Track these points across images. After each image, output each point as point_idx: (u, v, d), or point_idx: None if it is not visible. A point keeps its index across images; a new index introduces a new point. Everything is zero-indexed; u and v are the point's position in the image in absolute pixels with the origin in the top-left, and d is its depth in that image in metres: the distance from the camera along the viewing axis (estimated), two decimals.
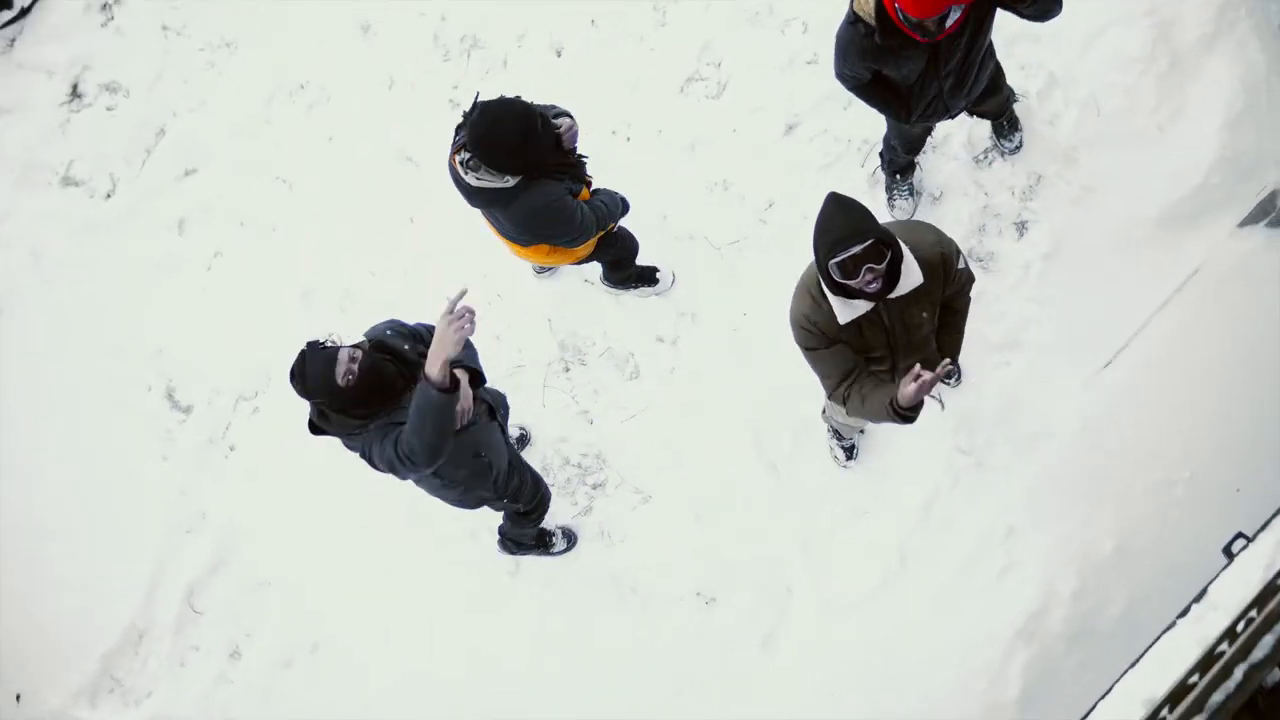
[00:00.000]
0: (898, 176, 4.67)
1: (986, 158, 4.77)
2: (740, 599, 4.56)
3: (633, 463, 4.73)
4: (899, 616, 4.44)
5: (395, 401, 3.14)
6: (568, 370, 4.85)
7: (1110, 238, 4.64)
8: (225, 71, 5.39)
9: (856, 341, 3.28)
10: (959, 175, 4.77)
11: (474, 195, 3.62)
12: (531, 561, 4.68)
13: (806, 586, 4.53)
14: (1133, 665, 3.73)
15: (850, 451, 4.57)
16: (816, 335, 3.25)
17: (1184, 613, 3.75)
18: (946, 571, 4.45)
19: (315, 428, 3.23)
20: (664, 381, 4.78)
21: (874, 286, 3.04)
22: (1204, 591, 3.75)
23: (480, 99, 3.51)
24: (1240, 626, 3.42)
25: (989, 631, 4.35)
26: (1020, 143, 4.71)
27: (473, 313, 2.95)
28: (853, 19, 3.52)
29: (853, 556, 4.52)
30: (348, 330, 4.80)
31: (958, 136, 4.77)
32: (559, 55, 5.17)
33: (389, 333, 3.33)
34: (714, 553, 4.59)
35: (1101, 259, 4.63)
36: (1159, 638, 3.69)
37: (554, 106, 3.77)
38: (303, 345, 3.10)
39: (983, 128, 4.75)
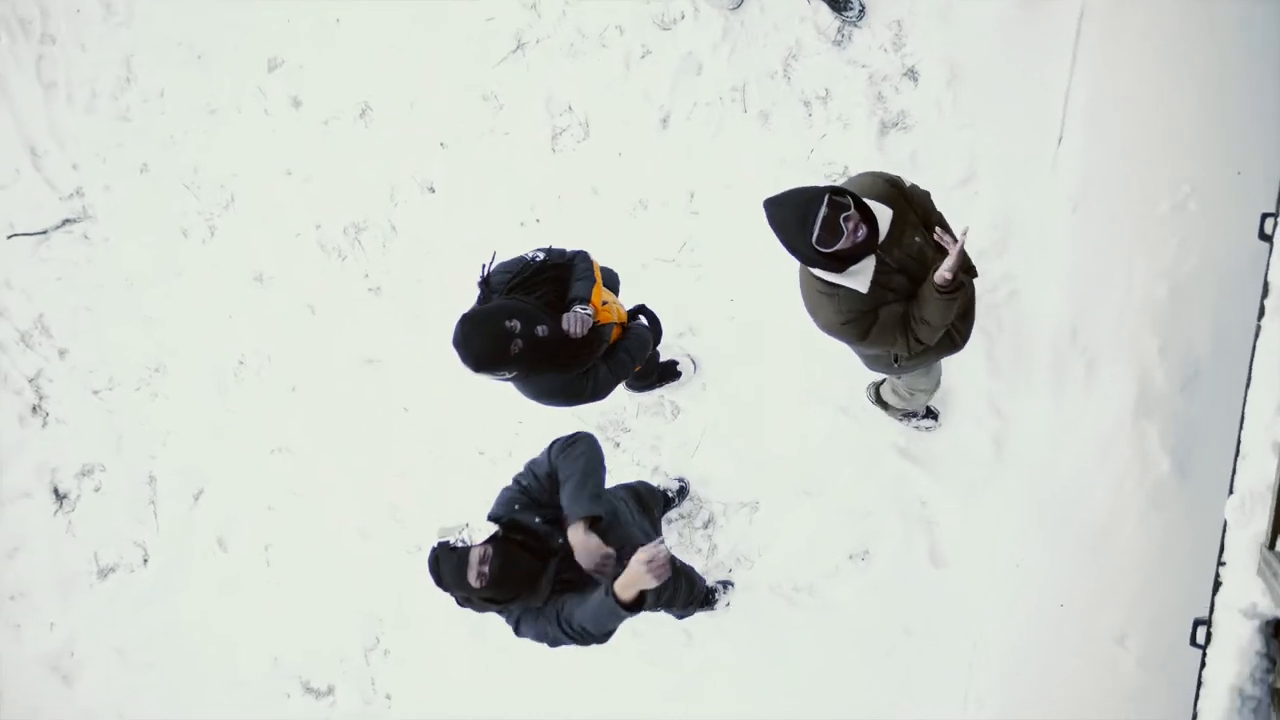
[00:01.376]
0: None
1: (842, 35, 4.92)
2: (888, 537, 4.73)
3: (723, 483, 4.91)
4: (1028, 470, 4.60)
5: (535, 586, 3.26)
6: (618, 445, 5.01)
7: (992, 26, 4.76)
8: (168, 390, 5.54)
9: (885, 296, 3.38)
10: (832, 66, 4.90)
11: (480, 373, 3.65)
12: (699, 621, 4.86)
13: (934, 490, 4.71)
14: (1249, 382, 3.91)
15: (931, 414, 4.70)
16: (857, 319, 3.35)
17: (1261, 313, 3.92)
18: (1042, 405, 4.61)
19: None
20: (702, 401, 4.94)
21: (862, 231, 3.14)
22: (1266, 285, 3.93)
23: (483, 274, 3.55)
24: None
25: (1113, 427, 4.51)
26: (861, 5, 4.85)
27: (671, 557, 3.11)
28: None
29: (956, 446, 4.69)
30: (421, 523, 5.03)
31: (807, 38, 4.92)
32: (432, 191, 5.31)
33: (516, 507, 3.41)
34: (841, 513, 4.76)
35: (995, 53, 4.76)
36: (1255, 346, 3.87)
37: (579, 265, 3.77)
38: (433, 548, 3.24)
39: (823, 12, 4.89)
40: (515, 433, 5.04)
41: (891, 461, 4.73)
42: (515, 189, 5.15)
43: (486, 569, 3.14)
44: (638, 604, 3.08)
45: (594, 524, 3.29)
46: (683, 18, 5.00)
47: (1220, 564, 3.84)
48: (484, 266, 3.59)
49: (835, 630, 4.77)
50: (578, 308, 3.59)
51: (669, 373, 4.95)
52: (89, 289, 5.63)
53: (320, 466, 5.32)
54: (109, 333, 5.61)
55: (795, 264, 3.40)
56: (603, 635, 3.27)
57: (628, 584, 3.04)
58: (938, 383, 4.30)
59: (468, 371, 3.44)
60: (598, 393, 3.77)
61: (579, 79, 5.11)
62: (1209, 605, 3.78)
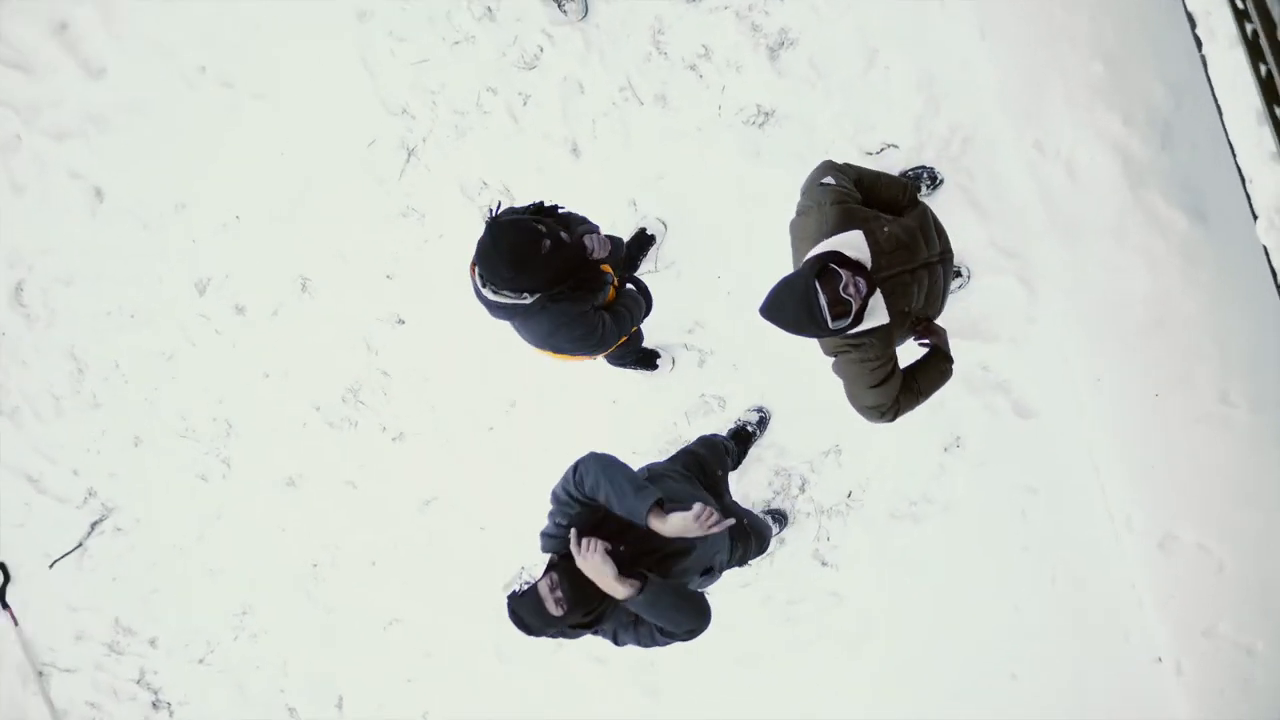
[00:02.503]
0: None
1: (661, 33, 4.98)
2: (969, 415, 4.88)
3: (796, 444, 5.04)
4: (1061, 289, 4.71)
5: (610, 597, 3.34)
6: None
7: None
8: (264, 625, 5.68)
9: (909, 310, 3.51)
10: (698, 22, 4.92)
11: (493, 309, 3.74)
12: (842, 579, 5.03)
13: (988, 351, 4.83)
14: (1220, 111, 4.01)
15: None
16: (886, 360, 3.49)
17: (1198, 44, 4.02)
18: (1043, 223, 4.68)
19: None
20: (739, 380, 5.08)
21: (861, 282, 3.22)
22: (1190, 16, 4.02)
23: (497, 213, 3.65)
24: None
25: (1117, 212, 4.58)
26: None
27: (591, 542, 3.23)
28: None
29: (988, 301, 4.80)
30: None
31: (662, 8, 4.98)
32: (402, 323, 5.40)
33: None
34: (916, 417, 4.80)
35: None
36: (1208, 77, 3.97)
37: (583, 220, 3.92)
38: (507, 603, 3.34)
39: None
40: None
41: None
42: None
43: (560, 593, 3.24)
44: (640, 584, 3.23)
45: (660, 506, 3.37)
46: (541, 50, 5.07)
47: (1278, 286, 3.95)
48: (490, 210, 3.71)
49: (966, 524, 4.91)
50: (594, 234, 3.77)
51: (647, 360, 5.05)
52: (146, 572, 5.74)
53: (437, 618, 5.42)
54: (184, 601, 5.71)
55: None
56: (692, 622, 3.37)
57: (604, 586, 3.22)
58: None
59: (489, 294, 3.58)
60: (605, 339, 3.85)
61: (479, 153, 5.17)
62: None
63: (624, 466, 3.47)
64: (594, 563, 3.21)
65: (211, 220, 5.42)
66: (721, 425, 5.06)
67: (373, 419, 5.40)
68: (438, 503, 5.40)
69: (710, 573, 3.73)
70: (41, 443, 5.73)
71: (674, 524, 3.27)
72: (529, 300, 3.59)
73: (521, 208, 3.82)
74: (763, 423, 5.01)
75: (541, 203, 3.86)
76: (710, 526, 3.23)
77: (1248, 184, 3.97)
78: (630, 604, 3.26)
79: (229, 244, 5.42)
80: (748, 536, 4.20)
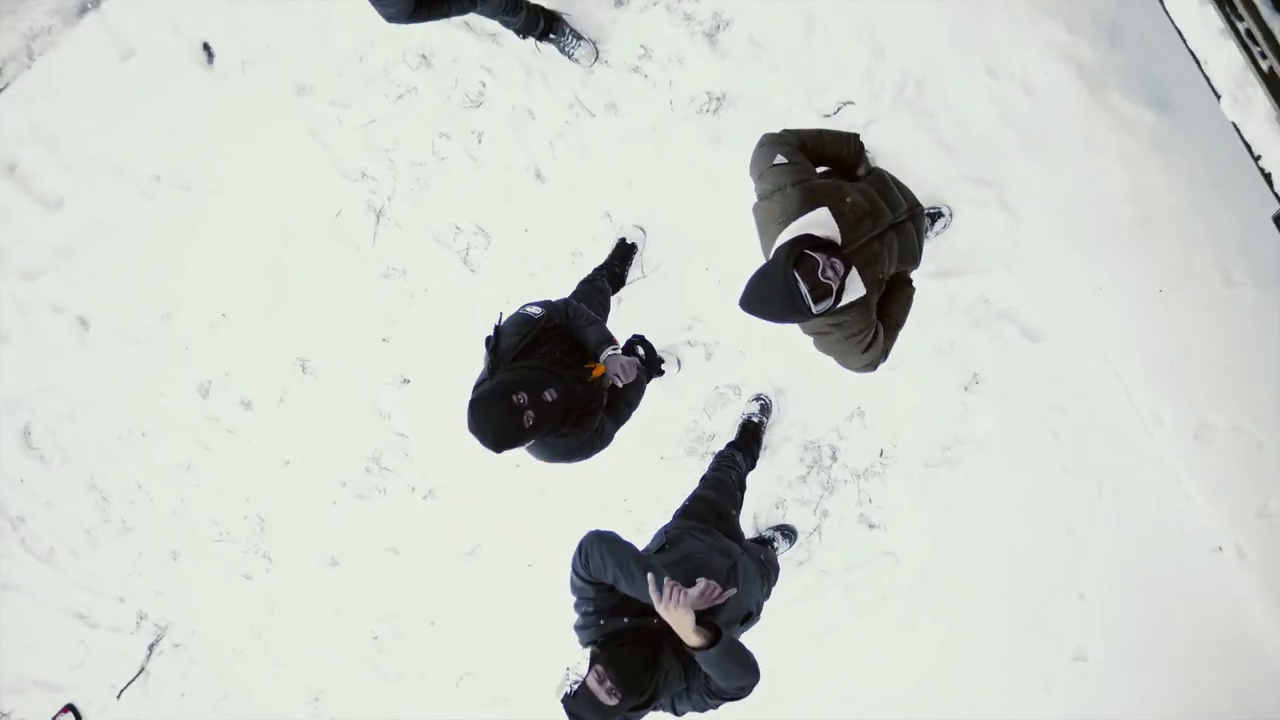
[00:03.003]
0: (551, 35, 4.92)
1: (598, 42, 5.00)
2: (981, 348, 4.91)
3: (819, 415, 5.08)
4: (1044, 207, 4.75)
5: (660, 670, 3.32)
6: (710, 452, 5.15)
7: None
8: (334, 712, 5.75)
9: (883, 276, 3.53)
10: (630, 24, 4.97)
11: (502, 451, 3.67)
12: (895, 542, 5.07)
13: (985, 283, 4.87)
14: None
15: None
16: (868, 327, 3.50)
17: None
18: (1012, 143, 4.71)
19: None
20: (749, 366, 5.11)
21: (837, 263, 3.24)
22: None
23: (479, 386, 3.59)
24: None
25: (1081, 119, 4.61)
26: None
27: (681, 590, 3.19)
28: None
29: (975, 233, 4.82)
30: None
31: (590, 20, 5.00)
32: (408, 383, 5.46)
33: (601, 622, 3.44)
34: (929, 363, 4.93)
35: None
36: None
37: (590, 319, 3.85)
38: (565, 709, 3.29)
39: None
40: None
41: (935, 289, 4.86)
42: (467, 325, 5.22)
43: (609, 683, 3.20)
44: (714, 636, 3.20)
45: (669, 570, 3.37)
46: (484, 86, 5.11)
47: (1257, 159, 3.96)
48: (494, 329, 3.67)
49: (1002, 457, 4.95)
50: (609, 351, 3.72)
51: (654, 369, 5.04)
52: (212, 682, 5.81)
53: (506, 663, 5.47)
54: (257, 701, 5.77)
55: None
56: (744, 678, 3.34)
57: (683, 634, 3.17)
58: None
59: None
60: (603, 444, 3.84)
61: (445, 200, 5.21)
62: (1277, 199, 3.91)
63: (627, 545, 3.43)
64: (677, 612, 3.17)
65: (199, 323, 5.46)
66: (735, 416, 5.09)
67: (399, 482, 5.44)
68: (481, 550, 5.44)
69: (749, 618, 3.75)
70: (82, 577, 5.79)
71: (673, 618, 3.22)
72: (531, 443, 3.60)
73: (517, 332, 3.69)
74: (765, 409, 5.04)
75: (536, 318, 3.72)
76: (715, 600, 3.24)
77: (1203, 66, 3.98)
78: (702, 656, 3.22)
79: (222, 343, 5.46)
80: (767, 569, 4.26)
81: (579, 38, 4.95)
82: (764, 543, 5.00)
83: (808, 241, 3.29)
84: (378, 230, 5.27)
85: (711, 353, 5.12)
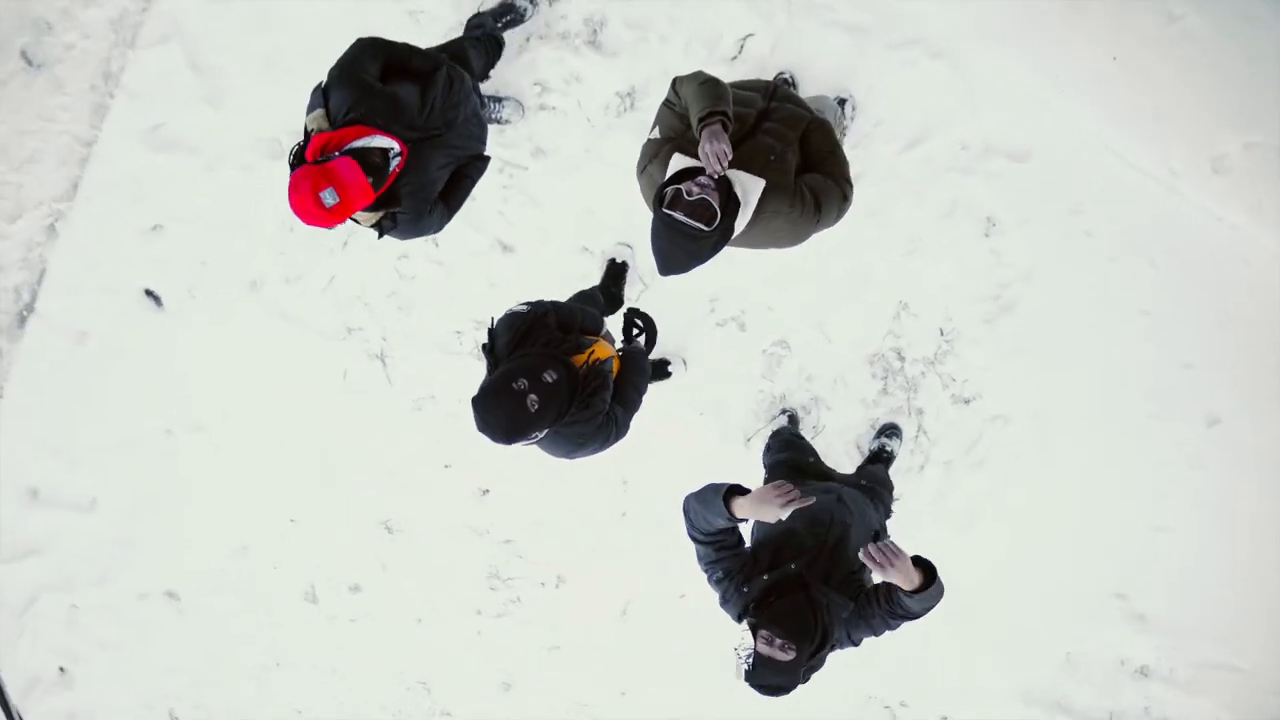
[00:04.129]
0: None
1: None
2: (999, 203, 4.93)
3: (866, 327, 5.11)
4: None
5: (821, 607, 3.39)
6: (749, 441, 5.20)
7: None
8: None
9: (785, 157, 3.52)
10: (543, 66, 5.02)
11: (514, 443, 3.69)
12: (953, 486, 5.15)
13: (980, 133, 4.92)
14: None
15: None
16: (799, 198, 3.49)
17: None
18: None
19: None
20: (773, 316, 5.15)
21: (703, 179, 3.24)
22: None
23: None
24: None
25: None
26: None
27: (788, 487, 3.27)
28: None
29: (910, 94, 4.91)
30: None
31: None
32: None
33: (745, 589, 3.46)
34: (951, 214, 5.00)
35: None
36: None
37: (586, 313, 3.89)
38: (750, 682, 3.37)
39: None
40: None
41: (912, 160, 4.92)
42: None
43: (779, 640, 3.24)
44: (931, 573, 3.30)
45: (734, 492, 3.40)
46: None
47: None
48: (487, 333, 3.72)
49: (1049, 279, 4.96)
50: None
51: (660, 372, 5.15)
52: None
53: (717, 694, 5.46)
54: None
55: None
56: (937, 598, 3.38)
57: (907, 575, 3.21)
58: None
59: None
60: (621, 433, 3.84)
61: (434, 314, 5.30)
62: None
63: (710, 486, 3.49)
64: (898, 564, 3.19)
65: (271, 537, 5.55)
66: (795, 368, 5.15)
67: (527, 584, 5.50)
68: (635, 603, 5.49)
69: (879, 538, 3.77)
70: None
71: (749, 503, 3.29)
72: (541, 435, 3.60)
73: (509, 328, 3.71)
74: (793, 419, 5.13)
75: (527, 312, 3.76)
76: (789, 500, 3.26)
77: None
78: (918, 596, 3.28)
79: (301, 545, 5.56)
80: (874, 489, 4.29)
81: (498, 100, 4.98)
82: (877, 458, 5.07)
83: (667, 182, 3.33)
84: (388, 372, 5.32)
85: (743, 322, 5.16)
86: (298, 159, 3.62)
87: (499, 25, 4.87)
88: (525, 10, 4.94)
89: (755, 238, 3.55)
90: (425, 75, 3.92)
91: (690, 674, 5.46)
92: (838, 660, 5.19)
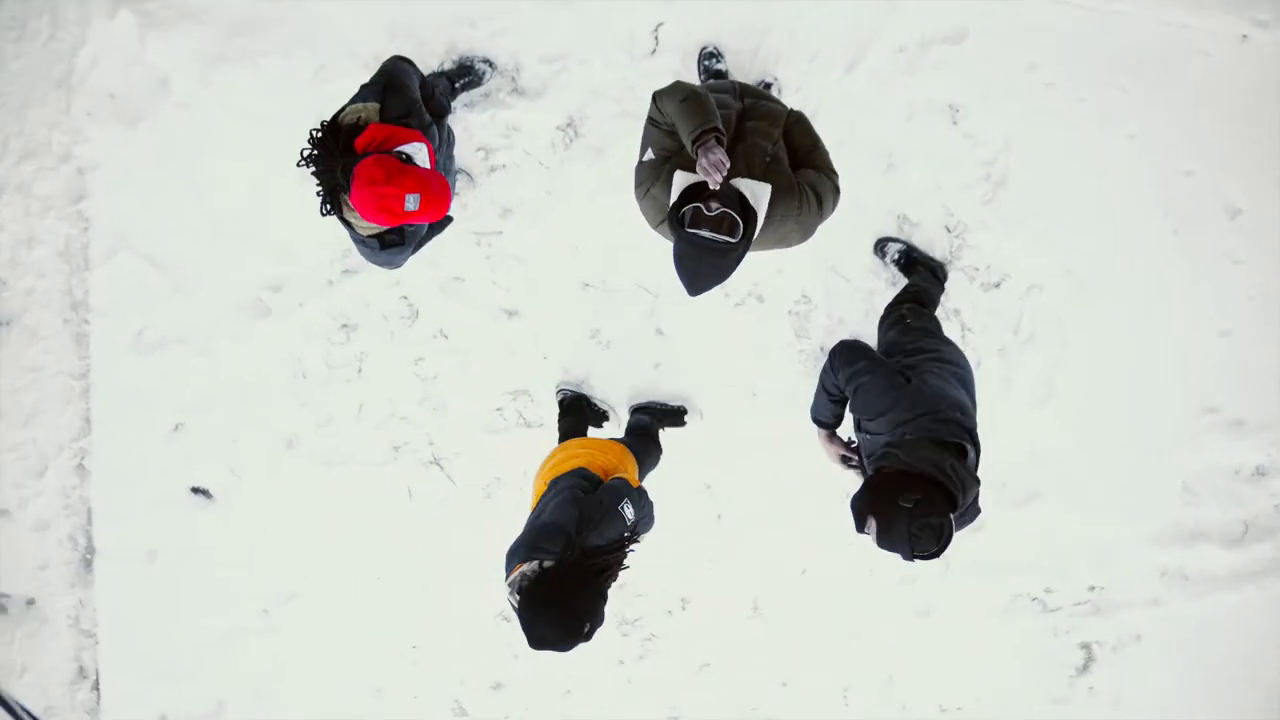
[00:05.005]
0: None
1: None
2: (954, 87, 4.95)
3: (870, 247, 5.16)
4: None
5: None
6: None
7: None
8: None
9: (774, 154, 3.57)
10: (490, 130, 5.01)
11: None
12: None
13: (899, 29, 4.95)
14: None
15: None
16: (799, 193, 3.55)
17: None
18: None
19: None
20: (785, 278, 5.16)
21: (719, 193, 3.28)
22: None
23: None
24: None
25: None
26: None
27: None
28: None
29: None
30: None
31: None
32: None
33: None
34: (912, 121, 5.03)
35: None
36: None
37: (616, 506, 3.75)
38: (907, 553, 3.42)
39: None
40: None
41: (860, 88, 4.96)
42: None
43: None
44: None
45: None
46: (404, 297, 5.21)
47: None
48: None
49: (1029, 138, 4.98)
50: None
51: (676, 419, 5.24)
52: None
53: None
54: None
55: None
56: None
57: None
58: None
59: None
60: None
61: (468, 401, 5.31)
62: None
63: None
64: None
65: (400, 668, 5.60)
66: (824, 318, 5.19)
67: (655, 617, 5.53)
68: (762, 597, 5.51)
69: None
70: None
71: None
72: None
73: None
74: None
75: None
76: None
77: None
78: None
79: (431, 664, 5.62)
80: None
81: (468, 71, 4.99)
82: (909, 267, 5.07)
83: (679, 203, 3.35)
84: (447, 472, 5.36)
85: (759, 294, 5.19)
86: (336, 146, 3.54)
87: (455, 87, 4.89)
88: (483, 73, 4.96)
89: (767, 242, 3.60)
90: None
91: (840, 642, 5.53)
92: (976, 570, 5.29)
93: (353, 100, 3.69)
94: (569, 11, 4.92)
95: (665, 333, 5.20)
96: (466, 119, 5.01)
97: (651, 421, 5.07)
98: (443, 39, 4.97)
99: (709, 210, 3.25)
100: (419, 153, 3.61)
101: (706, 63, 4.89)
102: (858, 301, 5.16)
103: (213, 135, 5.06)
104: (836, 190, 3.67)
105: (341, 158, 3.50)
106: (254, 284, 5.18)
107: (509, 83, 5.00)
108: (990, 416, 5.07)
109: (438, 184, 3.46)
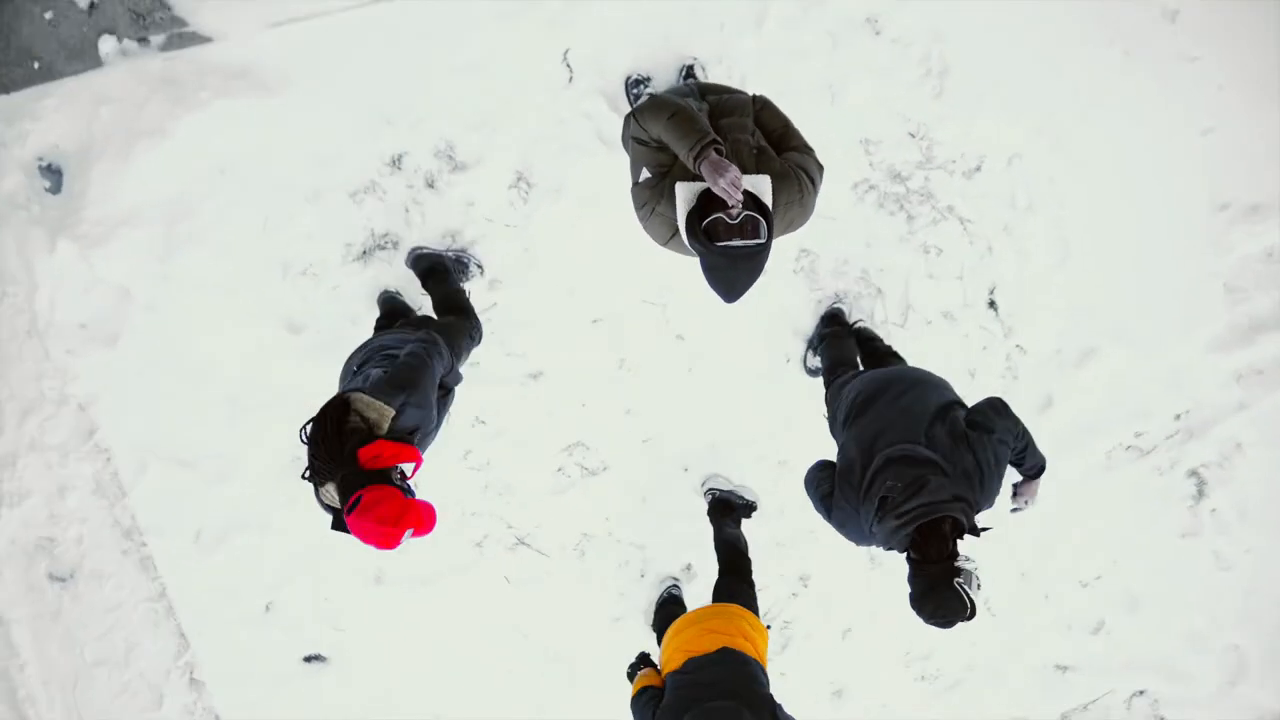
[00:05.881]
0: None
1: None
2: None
3: (849, 176, 5.17)
4: None
5: None
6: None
7: None
8: None
9: (757, 143, 3.59)
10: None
11: None
12: None
13: None
14: None
15: None
16: (797, 184, 3.57)
17: None
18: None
19: None
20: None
21: (730, 198, 3.24)
22: None
23: None
24: None
25: None
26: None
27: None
28: None
29: None
30: None
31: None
32: None
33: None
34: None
35: None
36: None
37: None
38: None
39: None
40: None
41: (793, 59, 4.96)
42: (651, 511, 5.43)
43: None
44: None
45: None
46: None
47: None
48: None
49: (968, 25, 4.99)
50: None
51: (747, 512, 5.31)
52: None
53: None
54: None
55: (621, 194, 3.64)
56: None
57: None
58: None
59: None
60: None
61: (529, 478, 5.34)
62: None
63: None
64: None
65: None
66: (830, 262, 5.20)
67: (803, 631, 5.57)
68: (856, 627, 5.46)
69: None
70: None
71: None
72: None
73: None
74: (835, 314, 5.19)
75: None
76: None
77: None
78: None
79: None
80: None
81: (462, 264, 5.05)
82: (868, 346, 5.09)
83: (697, 214, 3.33)
84: (536, 547, 5.42)
85: (802, 268, 5.23)
86: (341, 454, 3.45)
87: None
88: (467, 265, 5.08)
89: (776, 230, 3.57)
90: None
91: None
92: (1065, 442, 5.29)
93: (371, 386, 3.60)
94: (476, 75, 4.93)
95: (685, 337, 5.21)
96: (423, 209, 5.02)
97: (739, 535, 5.10)
98: (367, 149, 4.98)
99: (731, 219, 3.24)
100: (408, 468, 3.59)
101: (635, 90, 4.90)
102: (853, 237, 5.18)
103: (188, 321, 5.08)
104: (820, 165, 3.70)
105: (342, 466, 3.43)
106: (284, 446, 5.17)
107: (447, 163, 5.00)
108: (1019, 290, 5.19)
109: (429, 515, 3.46)
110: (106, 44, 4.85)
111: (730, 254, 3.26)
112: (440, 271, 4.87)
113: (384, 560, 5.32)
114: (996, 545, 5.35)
